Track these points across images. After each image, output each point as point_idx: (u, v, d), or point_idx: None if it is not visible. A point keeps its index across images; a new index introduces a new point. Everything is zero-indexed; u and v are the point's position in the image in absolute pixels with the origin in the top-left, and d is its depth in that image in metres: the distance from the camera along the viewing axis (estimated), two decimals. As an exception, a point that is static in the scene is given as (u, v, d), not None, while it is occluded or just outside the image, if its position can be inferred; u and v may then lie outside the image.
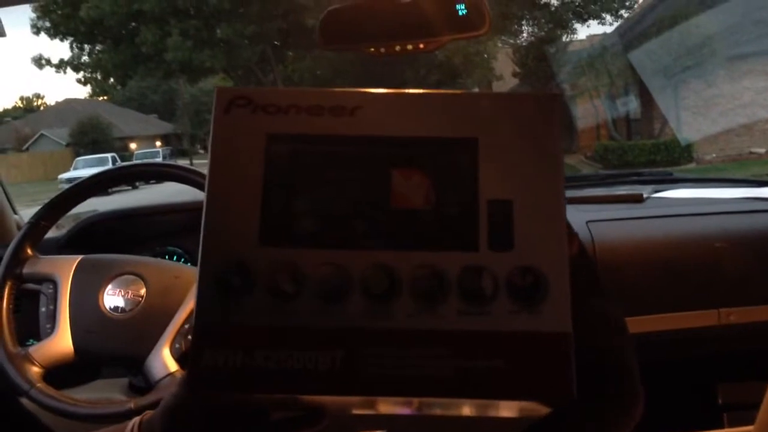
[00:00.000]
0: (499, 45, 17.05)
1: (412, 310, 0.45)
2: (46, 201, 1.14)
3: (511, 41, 16.96)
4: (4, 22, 2.03)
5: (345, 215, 0.47)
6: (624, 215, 1.46)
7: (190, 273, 1.11)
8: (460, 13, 1.04)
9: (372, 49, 1.09)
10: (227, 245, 0.46)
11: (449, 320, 0.45)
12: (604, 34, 15.36)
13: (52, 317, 1.06)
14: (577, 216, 1.43)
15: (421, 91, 0.50)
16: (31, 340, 1.13)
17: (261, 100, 0.49)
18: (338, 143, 0.48)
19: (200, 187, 1.11)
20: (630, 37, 12.65)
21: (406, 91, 0.50)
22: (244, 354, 0.45)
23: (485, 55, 16.56)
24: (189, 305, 1.03)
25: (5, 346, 1.03)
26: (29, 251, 1.09)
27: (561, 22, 16.26)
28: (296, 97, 0.49)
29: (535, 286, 0.45)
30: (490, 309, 0.45)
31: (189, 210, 1.45)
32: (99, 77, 18.56)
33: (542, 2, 16.30)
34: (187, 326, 1.02)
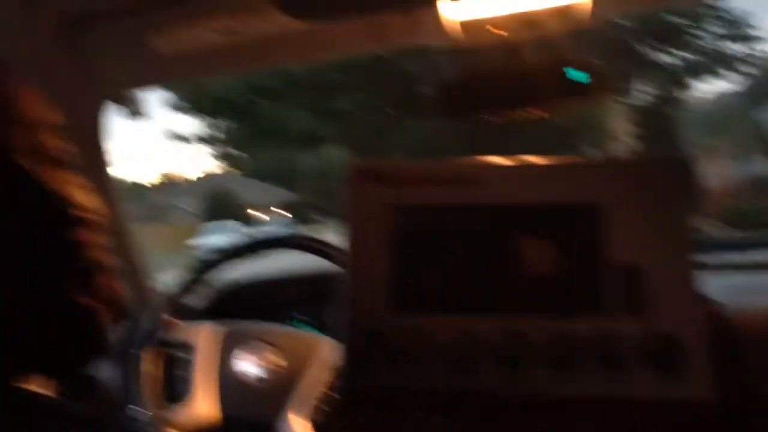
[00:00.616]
0: (617, 105, 16.68)
1: (543, 375, 0.45)
2: (182, 268, 1.22)
3: (629, 102, 16.57)
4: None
5: (473, 282, 0.47)
6: (763, 282, 1.37)
7: (320, 341, 1.15)
8: (576, 79, 1.04)
9: (486, 117, 1.10)
10: (363, 314, 0.48)
11: (583, 386, 0.44)
12: (730, 92, 14.73)
13: (190, 382, 1.12)
14: (711, 282, 1.35)
15: (542, 160, 0.50)
16: (168, 404, 1.19)
17: (389, 172, 0.51)
18: (463, 213, 0.49)
19: (331, 259, 1.15)
20: (758, 94, 12.05)
21: (528, 159, 0.50)
22: (380, 417, 0.46)
23: (601, 117, 16.22)
24: (320, 372, 1.06)
25: (154, 410, 1.09)
26: (171, 318, 1.17)
27: (679, 81, 15.75)
28: (422, 169, 0.51)
29: (669, 352, 0.44)
30: (625, 375, 0.44)
31: (315, 279, 1.50)
32: (227, 150, 19.81)
33: (660, 62, 15.89)
34: (317, 393, 1.04)
